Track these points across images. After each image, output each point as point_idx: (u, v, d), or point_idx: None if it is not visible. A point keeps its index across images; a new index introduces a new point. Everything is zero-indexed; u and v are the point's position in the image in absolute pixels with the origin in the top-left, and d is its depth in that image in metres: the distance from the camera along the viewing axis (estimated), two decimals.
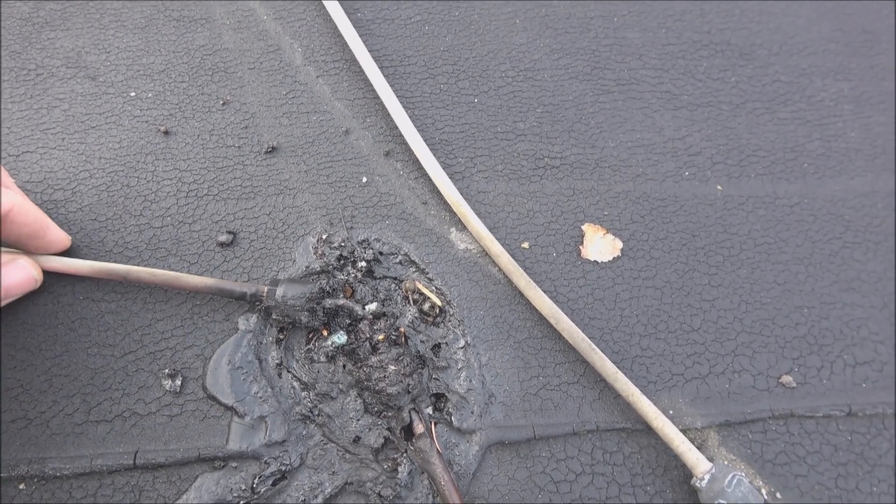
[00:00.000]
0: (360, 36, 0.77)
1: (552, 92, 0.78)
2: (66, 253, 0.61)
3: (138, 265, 0.62)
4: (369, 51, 0.76)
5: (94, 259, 0.62)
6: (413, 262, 0.66)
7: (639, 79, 0.81)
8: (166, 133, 0.70)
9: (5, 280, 0.55)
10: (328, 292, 0.59)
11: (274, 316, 0.58)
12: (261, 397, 0.57)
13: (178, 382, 0.58)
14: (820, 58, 0.86)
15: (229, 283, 0.59)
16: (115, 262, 0.62)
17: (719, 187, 0.74)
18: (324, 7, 0.81)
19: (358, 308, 0.59)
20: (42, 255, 0.59)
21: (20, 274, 0.56)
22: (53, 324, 0.59)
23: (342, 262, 0.64)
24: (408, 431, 0.57)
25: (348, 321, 0.59)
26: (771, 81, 0.83)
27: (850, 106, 0.82)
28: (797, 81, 0.83)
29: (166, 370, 0.58)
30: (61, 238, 0.60)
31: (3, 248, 0.57)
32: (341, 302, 0.58)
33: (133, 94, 0.73)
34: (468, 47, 0.81)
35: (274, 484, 0.54)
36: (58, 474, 0.53)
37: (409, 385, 0.57)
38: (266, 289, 0.58)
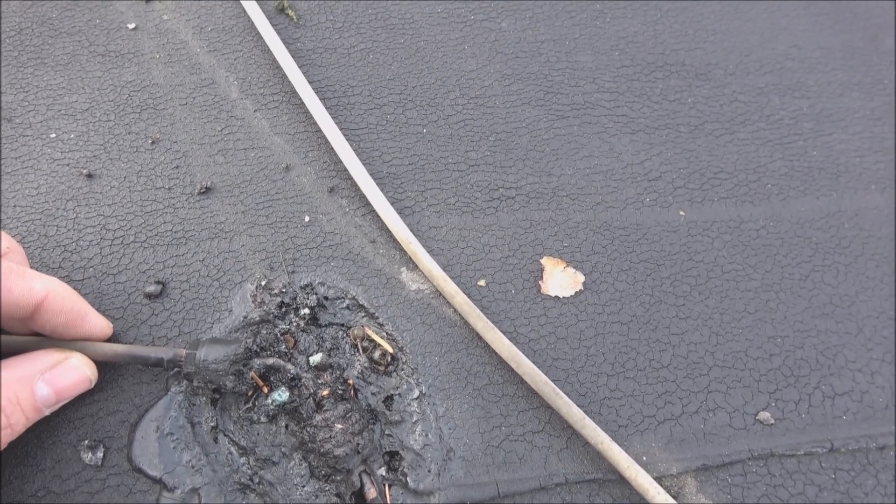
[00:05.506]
0: (301, 67, 0.73)
1: (504, 119, 0.75)
2: None
3: None
4: (310, 82, 0.72)
5: None
6: (361, 307, 0.61)
7: (594, 103, 0.78)
8: (89, 176, 0.65)
9: (57, 383, 0.48)
10: (256, 351, 0.54)
11: (196, 383, 0.52)
12: (193, 466, 0.51)
13: (100, 454, 0.52)
14: (777, 76, 0.84)
15: (142, 349, 0.52)
16: None
17: (682, 213, 0.70)
18: (261, 37, 0.76)
19: (290, 367, 0.53)
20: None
21: (73, 375, 0.49)
22: None
23: (284, 309, 0.59)
24: (359, 496, 0.52)
25: (289, 376, 0.54)
26: (728, 101, 0.80)
27: (809, 124, 0.80)
28: (755, 101, 0.81)
29: (86, 441, 0.52)
30: (101, 326, 0.53)
31: (53, 344, 0.51)
32: (270, 361, 0.53)
33: (53, 135, 0.67)
34: (415, 75, 0.77)
35: None
36: None
37: (358, 445, 0.52)
38: (184, 352, 0.52)
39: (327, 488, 0.52)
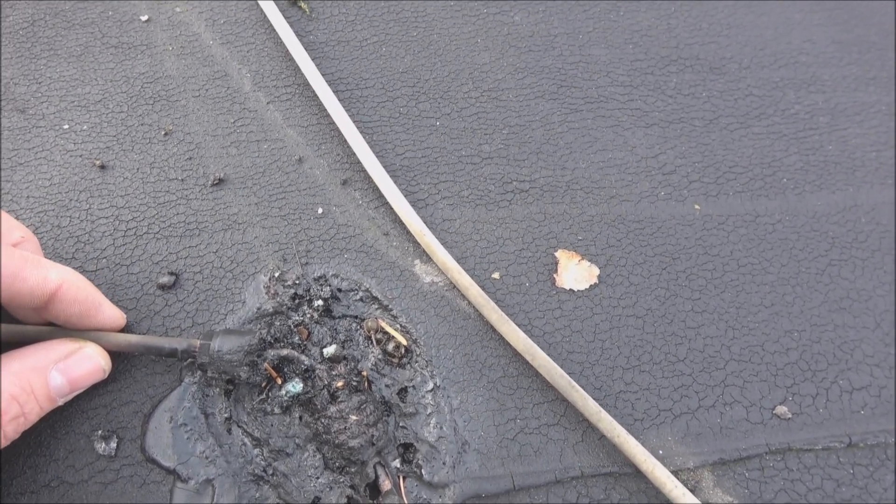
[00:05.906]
0: (314, 59, 0.73)
1: (518, 112, 0.74)
2: None
3: None
4: (323, 74, 0.72)
5: None
6: (375, 299, 0.60)
7: (607, 96, 0.77)
8: (102, 167, 0.65)
9: (71, 373, 0.48)
10: (270, 342, 0.53)
11: (209, 373, 0.52)
12: (207, 457, 0.51)
13: (114, 444, 0.52)
14: (791, 70, 0.83)
15: (156, 340, 0.52)
16: None
17: (697, 207, 0.70)
18: (274, 30, 0.76)
19: (305, 358, 0.53)
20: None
21: (87, 365, 0.49)
22: None
23: (297, 301, 0.59)
24: (373, 489, 0.52)
25: (303, 367, 0.54)
26: (743, 95, 0.80)
27: (825, 118, 0.79)
28: (770, 95, 0.80)
29: (99, 431, 0.52)
30: (115, 317, 0.53)
31: (67, 334, 0.50)
32: (284, 353, 0.52)
33: (66, 126, 0.67)
34: (428, 68, 0.77)
35: None
36: None
37: (373, 436, 0.52)
38: (199, 343, 0.52)
39: (341, 480, 0.52)
